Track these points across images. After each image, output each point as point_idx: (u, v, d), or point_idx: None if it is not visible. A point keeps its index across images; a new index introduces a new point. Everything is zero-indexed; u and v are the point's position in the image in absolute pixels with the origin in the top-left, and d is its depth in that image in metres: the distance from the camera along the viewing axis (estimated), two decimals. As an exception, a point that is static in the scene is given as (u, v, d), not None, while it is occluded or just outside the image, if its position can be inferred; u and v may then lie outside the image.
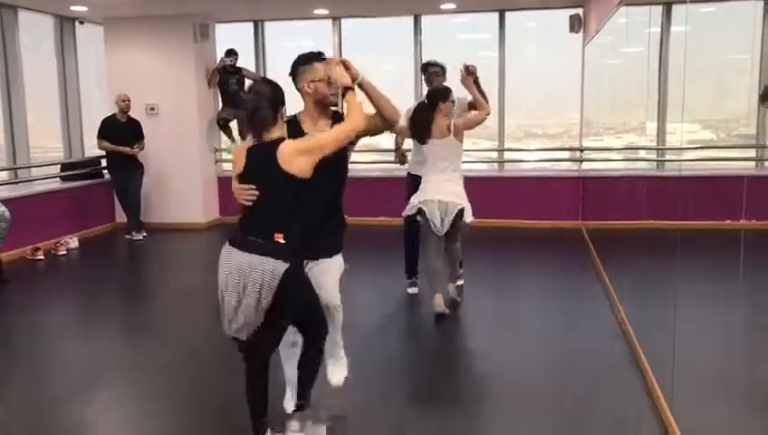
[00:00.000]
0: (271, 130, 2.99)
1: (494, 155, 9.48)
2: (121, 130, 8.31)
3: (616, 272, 5.71)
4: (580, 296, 5.80)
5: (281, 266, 2.86)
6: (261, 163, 2.98)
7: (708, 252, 4.73)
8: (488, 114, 5.24)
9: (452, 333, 5.00)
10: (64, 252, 7.62)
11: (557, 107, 9.69)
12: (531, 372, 4.19)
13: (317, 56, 3.38)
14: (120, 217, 8.94)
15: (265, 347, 3.10)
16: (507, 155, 9.46)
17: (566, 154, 9.51)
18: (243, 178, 3.02)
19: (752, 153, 8.42)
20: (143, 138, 8.48)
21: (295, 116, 3.33)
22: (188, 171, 9.00)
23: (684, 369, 3.44)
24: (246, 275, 2.87)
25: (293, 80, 3.35)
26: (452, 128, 5.04)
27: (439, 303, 5.08)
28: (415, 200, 5.10)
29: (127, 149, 8.23)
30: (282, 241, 2.90)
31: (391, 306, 5.53)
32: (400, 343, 4.93)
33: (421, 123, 5.05)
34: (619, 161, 8.12)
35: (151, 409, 3.80)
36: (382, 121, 3.33)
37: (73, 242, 7.88)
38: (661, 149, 7.51)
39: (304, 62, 3.35)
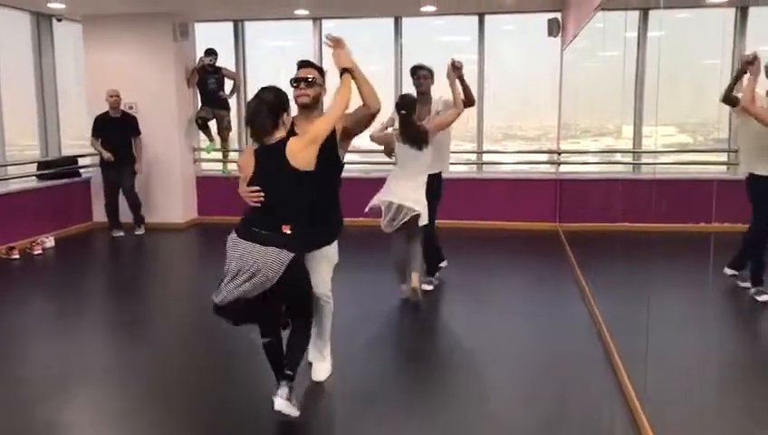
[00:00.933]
0: (271, 134, 3.23)
1: (473, 157, 9.54)
2: (114, 126, 8.29)
3: (591, 273, 5.78)
4: (555, 297, 5.86)
5: (286, 256, 3.15)
6: (269, 163, 3.23)
7: (682, 254, 4.80)
8: (459, 114, 5.47)
9: (427, 333, 5.03)
10: (40, 251, 7.55)
11: (535, 110, 9.78)
12: (505, 371, 4.22)
13: (300, 63, 3.71)
14: (98, 216, 8.87)
15: (265, 324, 3.45)
16: (486, 157, 9.52)
17: (544, 157, 9.61)
18: (252, 180, 3.26)
19: (725, 157, 8.55)
20: (139, 133, 8.47)
21: (294, 119, 3.56)
22: (167, 171, 8.96)
23: (657, 368, 3.50)
24: (257, 262, 3.14)
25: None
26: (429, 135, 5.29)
27: (404, 289, 5.51)
28: (376, 200, 5.29)
29: (106, 154, 8.19)
30: (288, 232, 3.18)
31: (368, 307, 5.54)
32: (370, 340, 4.95)
33: (412, 131, 5.24)
34: (596, 164, 8.21)
35: (128, 408, 3.78)
36: (363, 108, 3.61)
37: (49, 241, 7.81)
38: (637, 152, 7.60)
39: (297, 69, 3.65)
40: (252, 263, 3.15)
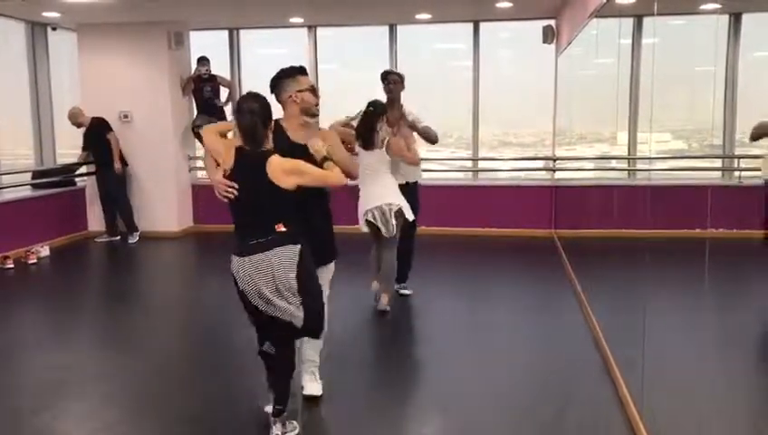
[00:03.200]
0: (264, 143, 3.26)
1: (469, 164, 9.55)
2: (88, 138, 8.48)
3: (587, 279, 5.77)
4: (551, 304, 5.85)
5: (294, 248, 3.18)
6: (250, 170, 3.23)
7: (677, 260, 4.80)
8: (409, 163, 5.50)
9: (423, 341, 5.02)
10: (35, 260, 7.52)
11: (531, 117, 9.79)
12: (501, 379, 4.21)
13: (299, 70, 3.63)
14: (93, 225, 8.86)
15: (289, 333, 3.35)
16: (481, 164, 9.52)
17: (539, 163, 9.61)
18: (231, 179, 3.25)
19: (719, 163, 8.57)
20: (110, 130, 8.50)
21: (278, 122, 3.51)
22: (162, 179, 8.94)
23: (653, 375, 3.49)
24: (267, 271, 3.15)
25: (275, 92, 3.59)
26: (385, 143, 5.27)
27: (384, 302, 5.38)
28: (362, 216, 5.30)
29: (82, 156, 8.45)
30: (283, 229, 3.18)
31: (361, 314, 5.53)
32: (371, 350, 4.94)
33: (366, 130, 5.23)
34: (592, 171, 8.22)
35: (124, 417, 3.76)
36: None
37: (44, 250, 7.77)
38: (632, 158, 7.61)
39: (288, 75, 3.58)
40: (268, 275, 3.14)
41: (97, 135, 8.40)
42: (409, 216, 5.28)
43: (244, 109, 3.23)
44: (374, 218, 5.22)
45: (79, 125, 8.42)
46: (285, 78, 3.59)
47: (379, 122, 5.24)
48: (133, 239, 8.54)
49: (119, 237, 8.59)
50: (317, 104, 3.63)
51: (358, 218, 5.33)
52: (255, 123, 3.21)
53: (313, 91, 3.61)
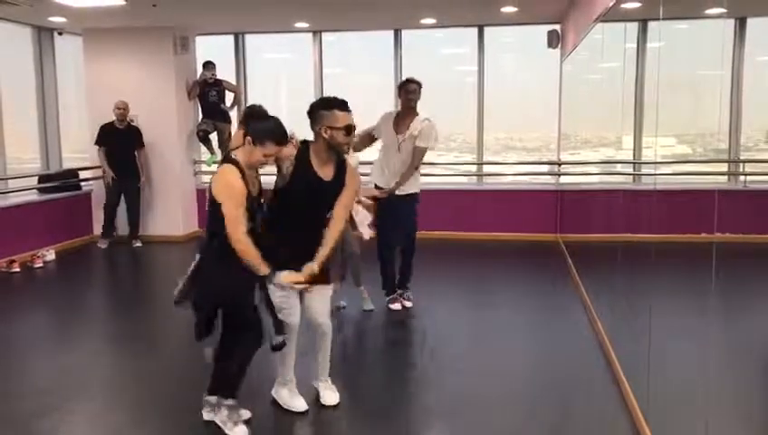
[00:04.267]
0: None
1: (474, 168, 9.55)
2: (119, 138, 8.41)
3: (592, 284, 5.77)
4: (557, 308, 5.84)
5: (197, 257, 3.39)
6: None
7: (683, 264, 4.80)
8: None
9: (428, 345, 5.01)
10: (41, 264, 7.54)
11: (535, 121, 9.79)
12: (507, 383, 4.21)
13: (339, 104, 3.45)
14: (99, 229, 8.87)
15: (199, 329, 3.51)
16: (486, 168, 9.52)
17: (544, 168, 9.61)
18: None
19: (725, 168, 8.55)
20: (143, 145, 8.57)
21: (307, 144, 3.49)
22: (168, 183, 8.96)
23: (659, 379, 3.48)
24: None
25: (311, 119, 3.47)
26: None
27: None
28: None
29: (110, 174, 8.32)
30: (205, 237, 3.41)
31: (365, 317, 5.53)
32: (374, 353, 4.94)
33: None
34: (596, 175, 8.21)
35: (128, 421, 3.77)
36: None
37: (50, 254, 7.80)
38: (637, 163, 7.60)
39: (326, 108, 3.43)
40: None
41: (130, 142, 8.49)
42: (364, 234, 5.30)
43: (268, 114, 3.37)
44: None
45: (123, 119, 8.40)
46: (323, 110, 3.44)
47: None
48: (138, 243, 8.57)
49: (113, 237, 8.61)
50: (347, 144, 3.48)
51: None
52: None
53: (348, 130, 3.43)
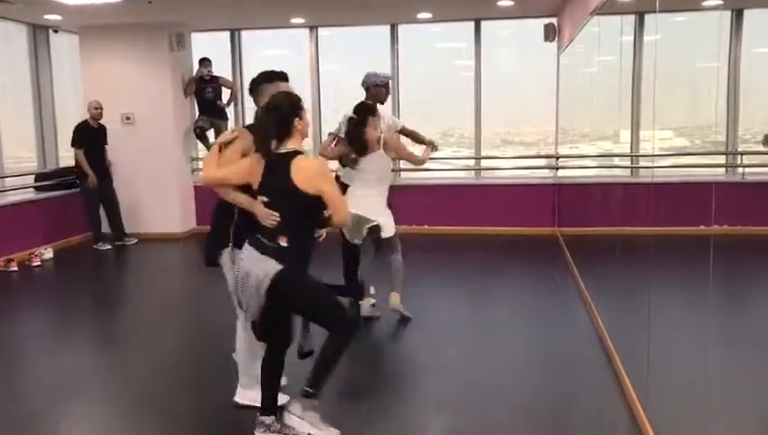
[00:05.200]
0: (281, 142, 3.13)
1: (471, 163, 9.54)
2: (96, 137, 8.32)
3: (591, 277, 5.77)
4: (555, 301, 5.85)
5: (272, 267, 3.02)
6: (274, 172, 3.11)
7: (681, 257, 4.80)
8: (416, 163, 5.47)
9: (427, 339, 5.01)
10: (39, 263, 7.53)
11: (533, 115, 9.78)
12: (506, 376, 4.21)
13: (280, 75, 3.49)
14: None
15: (272, 342, 3.30)
16: (484, 163, 9.52)
17: (542, 162, 9.60)
18: (261, 189, 3.16)
19: (723, 160, 8.56)
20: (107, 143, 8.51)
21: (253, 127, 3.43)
22: (165, 180, 8.95)
23: (658, 372, 3.49)
24: (250, 270, 3.07)
25: (252, 95, 3.48)
26: (381, 141, 5.06)
27: (364, 304, 5.27)
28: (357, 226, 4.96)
29: (93, 180, 8.17)
30: (284, 244, 3.05)
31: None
32: (371, 348, 4.93)
33: (356, 138, 5.01)
34: (594, 168, 8.21)
35: (127, 421, 3.77)
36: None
37: (48, 253, 7.79)
38: (635, 156, 7.60)
39: (268, 81, 3.46)
40: (248, 266, 3.09)
41: (104, 140, 8.42)
42: (388, 232, 5.07)
43: (266, 105, 3.20)
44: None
45: (98, 118, 8.29)
46: (264, 82, 3.49)
47: (368, 124, 5.00)
48: (132, 241, 8.55)
49: (109, 237, 8.54)
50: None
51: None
52: (266, 117, 3.15)
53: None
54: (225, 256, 3.59)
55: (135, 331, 5.42)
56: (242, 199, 3.26)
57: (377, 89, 5.38)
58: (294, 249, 3.09)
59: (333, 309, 3.26)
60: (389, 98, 5.70)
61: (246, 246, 3.15)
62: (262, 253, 3.07)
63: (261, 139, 3.17)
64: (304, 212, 3.11)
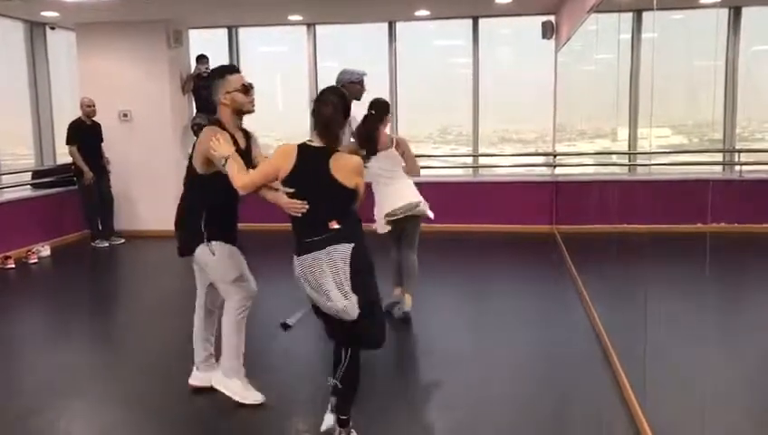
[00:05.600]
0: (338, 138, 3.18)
1: (469, 160, 9.55)
2: (90, 134, 8.26)
3: (588, 275, 5.77)
4: (553, 299, 5.85)
5: (346, 247, 3.02)
6: (311, 166, 3.11)
7: (678, 254, 4.81)
8: (410, 172, 5.21)
9: (424, 336, 5.01)
10: (36, 260, 7.52)
11: (531, 112, 9.78)
12: (504, 373, 4.21)
13: (229, 69, 3.57)
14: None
15: (357, 341, 3.22)
16: (482, 160, 9.52)
17: (540, 159, 9.61)
18: (289, 180, 3.13)
19: (720, 157, 8.58)
20: (103, 140, 8.46)
21: (217, 121, 3.55)
22: (162, 177, 8.93)
23: (655, 369, 3.49)
24: (323, 267, 3.01)
25: (211, 94, 3.56)
26: (393, 142, 5.05)
27: (409, 304, 5.20)
28: (381, 218, 5.03)
29: (89, 175, 8.11)
30: (337, 226, 3.05)
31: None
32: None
33: (367, 136, 4.96)
34: (592, 166, 8.22)
35: (122, 418, 3.76)
36: None
37: (45, 250, 7.78)
38: (633, 153, 7.60)
39: (219, 76, 3.53)
40: (318, 266, 3.02)
41: (98, 138, 8.38)
42: (424, 212, 5.08)
43: (325, 99, 3.14)
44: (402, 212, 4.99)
45: (92, 116, 8.22)
46: (215, 79, 3.55)
47: (384, 122, 5.01)
48: (120, 240, 8.50)
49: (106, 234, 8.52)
50: (251, 102, 3.54)
51: (375, 220, 5.05)
52: (336, 115, 3.12)
53: (245, 89, 3.52)
54: (201, 251, 3.64)
55: (132, 328, 5.41)
56: (270, 196, 3.28)
57: (351, 86, 5.27)
58: (350, 228, 3.10)
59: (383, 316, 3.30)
60: (390, 97, 5.68)
61: (300, 257, 3.08)
62: (323, 247, 3.03)
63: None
64: (346, 201, 3.14)
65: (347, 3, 8.12)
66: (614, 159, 7.54)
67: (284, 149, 3.17)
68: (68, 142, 8.18)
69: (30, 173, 8.59)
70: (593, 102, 6.49)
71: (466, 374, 4.24)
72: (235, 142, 3.49)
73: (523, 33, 9.23)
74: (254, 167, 3.51)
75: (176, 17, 8.65)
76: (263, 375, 3.99)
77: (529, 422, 3.58)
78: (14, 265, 7.25)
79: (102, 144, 8.45)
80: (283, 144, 3.22)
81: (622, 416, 3.53)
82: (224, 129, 3.50)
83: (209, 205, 3.60)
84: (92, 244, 8.31)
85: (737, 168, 8.11)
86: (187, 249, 3.70)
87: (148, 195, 8.93)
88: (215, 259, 3.63)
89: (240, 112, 3.56)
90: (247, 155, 3.58)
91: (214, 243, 3.61)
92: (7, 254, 7.34)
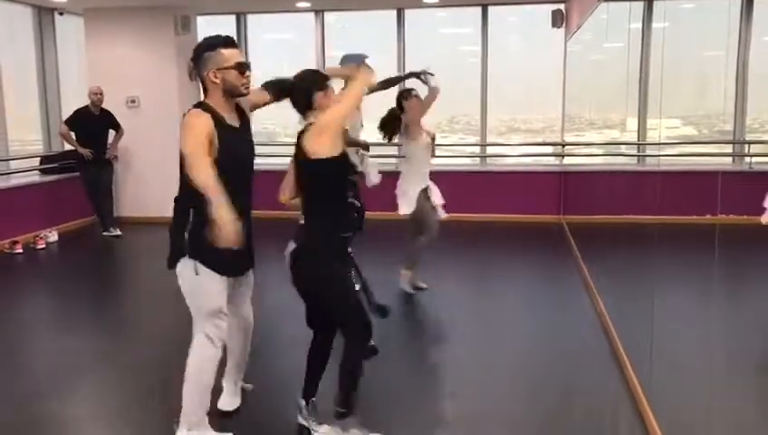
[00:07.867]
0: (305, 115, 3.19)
1: (477, 150, 9.51)
2: (95, 123, 8.11)
3: (596, 265, 5.75)
4: (559, 290, 5.84)
5: (290, 246, 3.11)
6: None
7: (686, 246, 4.78)
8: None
9: (430, 327, 5.02)
10: (43, 245, 7.54)
11: (540, 102, 9.73)
12: (509, 365, 4.21)
13: (224, 41, 2.95)
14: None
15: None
16: (490, 150, 9.48)
17: (548, 149, 9.56)
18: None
19: (730, 149, 8.52)
20: (120, 126, 8.29)
21: (202, 104, 3.01)
22: (169, 164, 8.87)
23: (662, 361, 3.48)
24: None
25: (196, 66, 2.96)
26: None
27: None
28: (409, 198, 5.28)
29: (84, 151, 7.93)
30: (301, 222, 3.16)
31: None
32: (376, 336, 4.93)
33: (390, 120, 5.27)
34: (601, 156, 8.18)
35: (129, 402, 3.78)
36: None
37: (53, 236, 7.80)
38: (641, 144, 7.57)
39: (210, 48, 2.93)
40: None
41: (106, 127, 8.24)
42: (434, 197, 5.34)
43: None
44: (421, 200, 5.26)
45: (99, 104, 8.08)
46: (205, 51, 2.92)
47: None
48: (117, 231, 8.31)
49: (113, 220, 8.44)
50: (245, 85, 2.96)
51: (398, 202, 5.33)
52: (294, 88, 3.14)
53: (240, 68, 2.93)
54: (183, 266, 3.19)
55: (138, 314, 5.43)
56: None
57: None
58: (312, 227, 3.19)
59: (348, 303, 3.25)
60: (396, 85, 5.66)
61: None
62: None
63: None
64: (314, 182, 3.15)
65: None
66: (623, 149, 7.51)
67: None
68: (64, 122, 8.06)
69: (38, 159, 8.60)
70: (603, 92, 6.45)
71: (470, 365, 4.24)
72: (228, 126, 2.99)
73: (532, 21, 9.16)
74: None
75: (184, 3, 8.62)
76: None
77: (534, 411, 3.58)
78: (21, 251, 7.28)
79: (116, 133, 8.29)
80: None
81: (627, 406, 3.52)
82: (212, 112, 2.94)
83: (197, 205, 2.98)
84: (104, 233, 8.21)
85: (747, 159, 8.05)
86: (170, 261, 3.21)
87: (155, 181, 8.93)
88: (194, 279, 3.11)
89: (231, 95, 2.98)
90: (246, 132, 3.15)
91: (195, 261, 3.05)
92: (15, 239, 7.36)
